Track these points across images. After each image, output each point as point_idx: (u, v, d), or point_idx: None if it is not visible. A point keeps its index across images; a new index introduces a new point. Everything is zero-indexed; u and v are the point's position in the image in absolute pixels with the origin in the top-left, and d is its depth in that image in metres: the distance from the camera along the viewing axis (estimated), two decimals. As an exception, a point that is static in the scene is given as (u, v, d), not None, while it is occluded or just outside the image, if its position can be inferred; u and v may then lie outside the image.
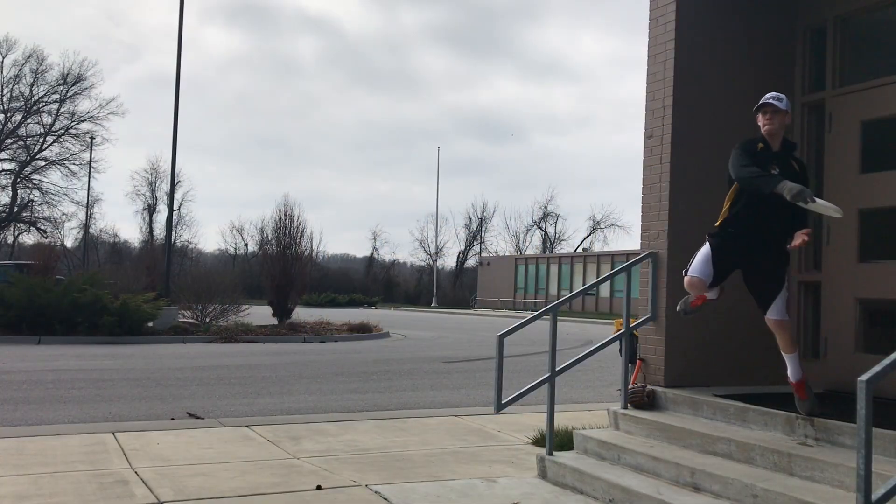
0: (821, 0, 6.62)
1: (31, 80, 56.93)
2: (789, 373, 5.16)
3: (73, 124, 58.06)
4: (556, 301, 6.46)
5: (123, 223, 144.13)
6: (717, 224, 5.26)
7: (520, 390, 5.88)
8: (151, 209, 65.77)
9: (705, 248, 5.20)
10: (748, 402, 5.49)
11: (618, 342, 6.40)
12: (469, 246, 77.22)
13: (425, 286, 70.07)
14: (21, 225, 58.35)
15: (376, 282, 71.82)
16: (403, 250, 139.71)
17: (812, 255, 6.64)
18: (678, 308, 5.66)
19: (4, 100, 56.52)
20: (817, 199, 4.70)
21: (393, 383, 12.00)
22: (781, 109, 5.05)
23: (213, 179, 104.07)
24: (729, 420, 5.49)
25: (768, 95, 5.10)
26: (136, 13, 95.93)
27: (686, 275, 5.19)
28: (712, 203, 6.36)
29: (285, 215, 25.37)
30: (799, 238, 4.82)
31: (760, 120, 5.09)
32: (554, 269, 58.76)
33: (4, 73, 56.31)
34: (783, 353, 5.18)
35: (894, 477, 3.69)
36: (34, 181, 57.61)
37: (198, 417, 8.46)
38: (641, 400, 6.08)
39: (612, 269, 45.23)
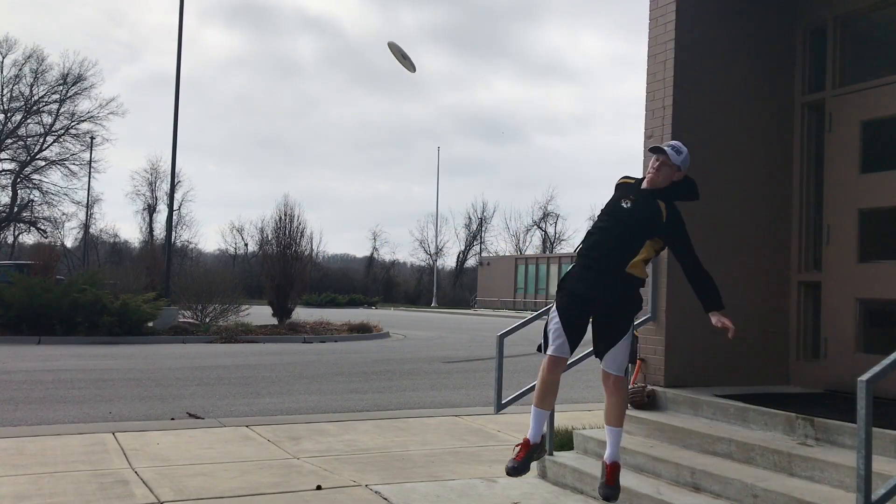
0: (821, 0, 6.62)
1: (31, 80, 56.94)
2: (607, 452, 4.46)
3: (73, 124, 58.07)
4: (556, 301, 6.45)
5: (123, 223, 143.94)
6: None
7: (520, 390, 5.88)
8: (151, 209, 65.71)
9: (553, 317, 4.43)
10: (748, 402, 5.49)
11: (618, 342, 6.40)
12: (469, 246, 77.22)
13: (425, 286, 70.03)
14: (21, 225, 58.33)
15: (376, 282, 71.77)
16: (403, 250, 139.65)
17: (812, 255, 6.64)
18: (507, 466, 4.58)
19: (4, 100, 56.53)
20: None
21: (393, 383, 12.00)
22: (674, 164, 4.45)
23: (213, 179, 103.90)
24: (729, 420, 5.49)
25: (669, 143, 4.48)
26: (136, 13, 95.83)
27: (546, 353, 4.39)
28: (712, 204, 6.38)
29: (285, 215, 25.38)
30: (722, 323, 4.41)
31: (650, 164, 4.49)
32: (554, 269, 58.71)
33: (4, 73, 56.32)
34: (606, 425, 4.44)
35: (894, 477, 3.69)
36: (34, 181, 57.63)
37: (198, 417, 8.47)
38: (641, 400, 6.08)
39: (612, 269, 45.13)
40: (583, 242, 4.56)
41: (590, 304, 4.39)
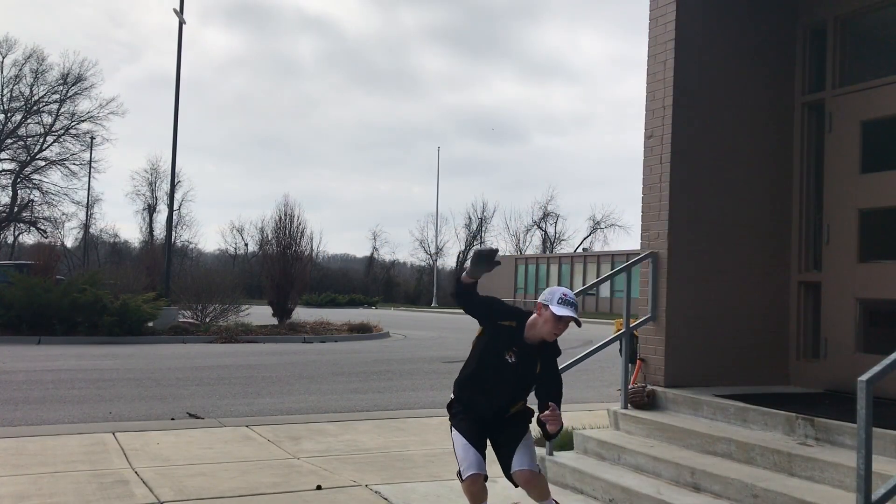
0: (821, 0, 6.63)
1: (32, 80, 56.91)
2: None
3: (73, 124, 58.04)
4: (556, 301, 6.45)
5: (123, 223, 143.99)
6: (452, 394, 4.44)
7: (520, 390, 5.86)
8: (151, 209, 65.68)
9: (457, 438, 4.25)
10: (748, 402, 5.49)
11: (618, 342, 6.40)
12: (469, 246, 77.12)
13: (425, 286, 70.02)
14: (21, 225, 58.31)
15: (376, 282, 71.79)
16: (403, 250, 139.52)
17: (812, 255, 6.64)
18: None
19: (4, 100, 56.50)
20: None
21: (393, 383, 12.00)
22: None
23: (213, 179, 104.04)
24: (729, 420, 5.49)
25: (571, 307, 4.04)
26: (136, 13, 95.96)
27: (463, 477, 4.12)
28: (712, 203, 6.39)
29: (285, 215, 25.36)
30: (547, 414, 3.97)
31: (549, 325, 4.05)
32: (554, 269, 58.76)
33: (4, 73, 56.28)
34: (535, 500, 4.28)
35: (894, 477, 3.69)
36: (34, 181, 57.61)
37: (198, 417, 8.47)
38: (641, 400, 6.08)
39: (612, 269, 45.23)
40: (464, 374, 4.38)
41: (483, 420, 4.27)
